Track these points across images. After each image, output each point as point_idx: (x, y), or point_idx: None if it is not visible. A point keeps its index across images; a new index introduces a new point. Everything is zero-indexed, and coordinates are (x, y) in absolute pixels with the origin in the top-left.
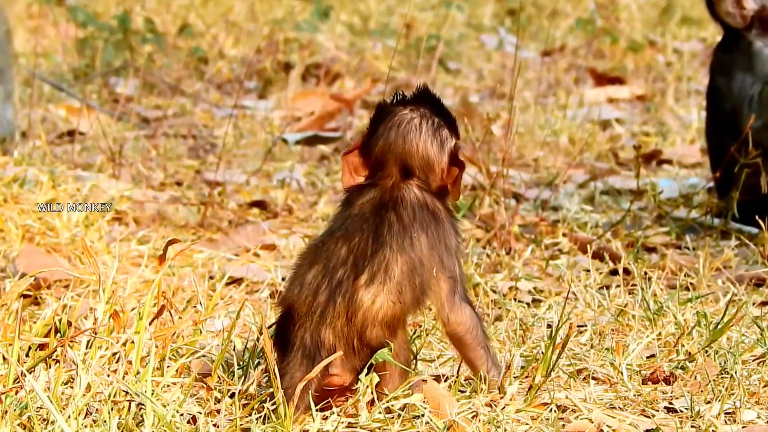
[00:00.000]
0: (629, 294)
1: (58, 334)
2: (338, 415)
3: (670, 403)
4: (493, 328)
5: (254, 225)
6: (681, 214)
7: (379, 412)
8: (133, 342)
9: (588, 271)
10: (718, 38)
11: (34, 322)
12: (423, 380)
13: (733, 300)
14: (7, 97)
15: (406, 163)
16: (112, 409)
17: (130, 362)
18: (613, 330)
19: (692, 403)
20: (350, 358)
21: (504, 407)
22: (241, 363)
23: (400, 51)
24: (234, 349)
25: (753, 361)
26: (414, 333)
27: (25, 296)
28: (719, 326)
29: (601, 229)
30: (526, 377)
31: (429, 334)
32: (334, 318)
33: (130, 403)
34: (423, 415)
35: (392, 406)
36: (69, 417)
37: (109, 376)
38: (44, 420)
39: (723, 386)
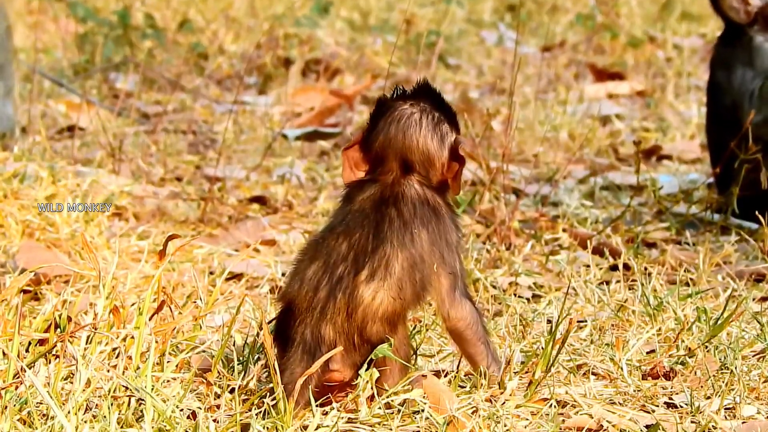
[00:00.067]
0: (629, 289)
1: (58, 330)
2: (338, 410)
3: (670, 399)
4: (493, 324)
5: (254, 220)
6: (681, 209)
7: (379, 408)
8: (133, 337)
9: (588, 266)
10: (718, 34)
11: (34, 318)
12: (423, 375)
13: (733, 295)
14: (7, 93)
15: (406, 158)
16: (112, 404)
17: (130, 357)
18: (613, 325)
19: (692, 399)
20: (350, 354)
21: (504, 402)
22: (241, 358)
23: (400, 47)
24: (234, 345)
25: (753, 356)
26: (414, 328)
27: (25, 291)
28: (719, 322)
29: (601, 224)
30: (526, 373)
31: (429, 329)
32: (334, 314)
33: (130, 399)
34: (423, 411)
35: (392, 401)
36: (69, 412)
37: (109, 371)
38: (44, 415)
39: (723, 382)
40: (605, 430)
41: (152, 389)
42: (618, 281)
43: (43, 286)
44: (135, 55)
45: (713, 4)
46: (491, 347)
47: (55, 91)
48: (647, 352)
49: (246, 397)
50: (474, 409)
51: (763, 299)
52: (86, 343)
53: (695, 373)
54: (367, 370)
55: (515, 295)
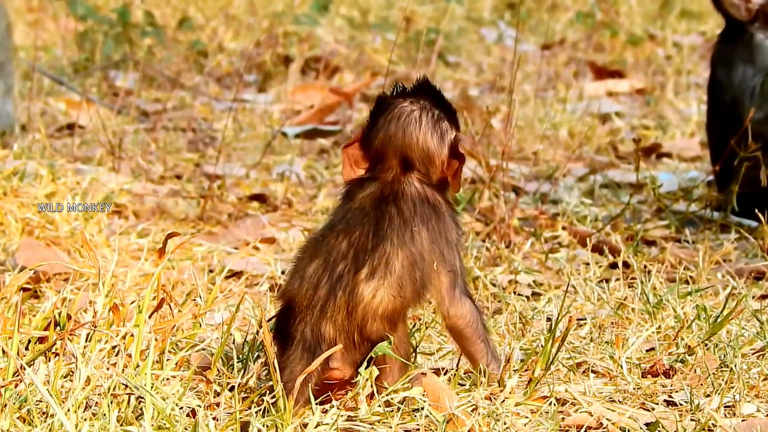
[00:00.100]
0: (629, 287)
1: (58, 328)
2: (338, 408)
3: (670, 397)
4: (492, 322)
5: (254, 218)
6: (680, 207)
7: (379, 406)
8: (132, 335)
9: (587, 264)
10: (718, 31)
11: (34, 316)
12: (423, 373)
13: (732, 293)
14: (7, 91)
15: (406, 156)
16: (111, 402)
17: (129, 355)
18: (612, 323)
19: (692, 397)
20: (350, 352)
21: (503, 400)
22: (240, 356)
23: (399, 44)
24: (233, 343)
25: (752, 354)
26: (413, 326)
27: (24, 289)
28: (719, 319)
29: (601, 222)
30: (526, 370)
31: (428, 327)
32: (334, 312)
33: (129, 397)
34: (422, 409)
35: (392, 399)
36: (68, 410)
37: (108, 369)
38: (44, 413)
39: (722, 379)
40: (605, 428)
41: (152, 387)
42: (617, 279)
43: (43, 284)
44: (135, 53)
45: (714, 1)
46: (491, 345)
47: (54, 89)
48: (647, 350)
49: (246, 395)
50: (474, 407)
51: (763, 297)
52: (86, 341)
53: (695, 371)
54: (366, 368)
55: (515, 293)
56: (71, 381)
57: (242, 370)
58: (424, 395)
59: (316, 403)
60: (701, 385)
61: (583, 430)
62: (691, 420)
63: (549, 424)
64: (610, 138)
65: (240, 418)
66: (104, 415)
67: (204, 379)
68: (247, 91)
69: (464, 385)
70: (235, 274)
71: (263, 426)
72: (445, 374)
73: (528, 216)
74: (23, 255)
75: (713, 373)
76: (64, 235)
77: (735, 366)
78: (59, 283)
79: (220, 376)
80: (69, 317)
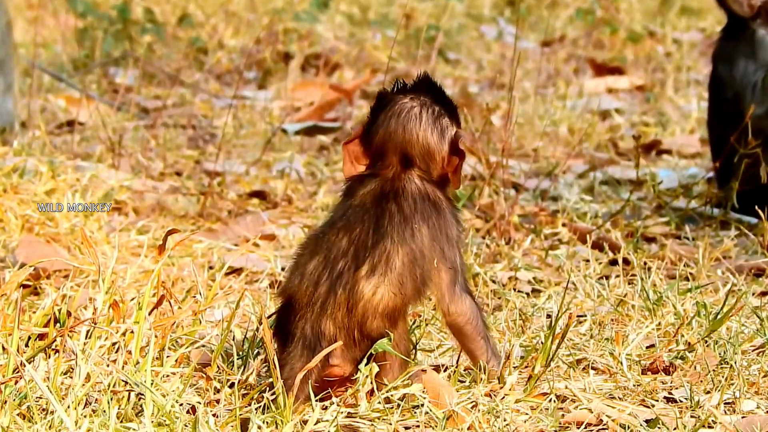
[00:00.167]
0: (629, 284)
1: (58, 324)
2: (338, 405)
3: (670, 393)
4: (492, 318)
5: (254, 215)
6: (680, 204)
7: (379, 402)
8: (132, 332)
9: (587, 261)
10: (718, 28)
11: (34, 312)
12: (422, 370)
13: (732, 290)
14: (7, 88)
15: (406, 152)
16: (111, 398)
17: (129, 352)
18: (612, 320)
19: (692, 393)
20: (351, 349)
21: (503, 397)
22: (240, 353)
23: (399, 41)
24: (233, 339)
25: (753, 351)
26: (413, 323)
27: (24, 286)
28: (719, 316)
29: (601, 219)
30: (526, 367)
31: (428, 324)
32: (334, 309)
33: (129, 393)
34: (422, 405)
35: (392, 396)
36: (68, 407)
37: (108, 366)
38: (44, 410)
39: (723, 376)
40: (605, 424)
41: (152, 384)
42: (617, 276)
43: (43, 280)
44: (134, 50)
45: None
46: (491, 342)
47: (54, 85)
48: (647, 347)
49: (246, 391)
50: (473, 403)
51: (763, 294)
52: (86, 338)
53: (695, 367)
54: (366, 364)
55: (515, 289)
56: (71, 378)
57: (242, 367)
58: (424, 392)
59: (316, 400)
60: (701, 381)
61: (583, 426)
62: (691, 417)
63: (549, 420)
64: (610, 135)
65: (240, 414)
66: (104, 411)
67: (204, 375)
68: (247, 88)
69: (464, 381)
70: (235, 271)
71: (263, 423)
72: (445, 371)
73: (528, 213)
74: (23, 252)
75: (713, 369)
76: (64, 232)
77: (735, 363)
78: (59, 280)
79: (220, 373)
80: (69, 314)
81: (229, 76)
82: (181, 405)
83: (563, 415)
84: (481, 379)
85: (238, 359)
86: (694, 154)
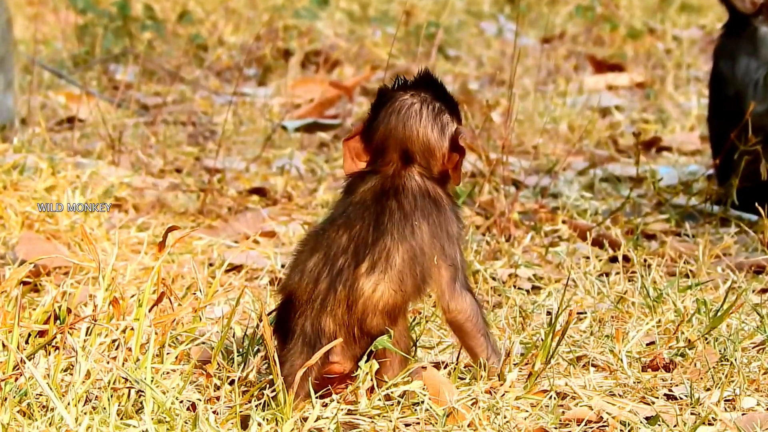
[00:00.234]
0: (629, 281)
1: (58, 321)
2: (338, 402)
3: (670, 390)
4: (492, 315)
5: (254, 212)
6: (680, 201)
7: (379, 399)
8: (132, 329)
9: (587, 258)
10: (718, 25)
11: (34, 309)
12: (423, 367)
13: (732, 287)
14: (7, 85)
15: (406, 149)
16: (111, 396)
17: (129, 349)
18: (612, 317)
19: (692, 390)
20: (350, 346)
21: (504, 394)
22: (240, 350)
23: (399, 38)
24: (233, 336)
25: (753, 348)
26: (414, 320)
27: (24, 283)
28: (719, 313)
29: (601, 216)
30: (526, 364)
31: (429, 321)
32: (334, 306)
33: (129, 390)
34: (422, 402)
35: (392, 393)
36: (68, 404)
37: (108, 363)
38: (44, 407)
39: (723, 373)
40: (605, 421)
41: (152, 381)
42: (618, 273)
43: (43, 277)
44: (135, 47)
45: None
46: (491, 339)
47: (54, 82)
48: (647, 344)
49: (246, 388)
50: (474, 400)
51: (763, 291)
52: (86, 335)
53: (695, 364)
54: (367, 361)
55: (515, 286)
56: (71, 375)
57: (242, 364)
58: (424, 389)
59: (316, 397)
60: (701, 378)
61: (584, 423)
62: (691, 414)
63: (549, 417)
64: (610, 132)
65: (240, 411)
66: (104, 408)
67: (204, 372)
68: (247, 84)
69: (464, 378)
70: (235, 268)
71: (263, 420)
72: (445, 368)
73: (528, 210)
74: (23, 248)
75: (713, 366)
76: (64, 229)
77: (735, 360)
78: (59, 277)
79: (220, 370)
80: (69, 311)
81: (229, 72)
82: (181, 402)
83: (563, 412)
84: (482, 376)
85: (238, 356)
86: (694, 151)
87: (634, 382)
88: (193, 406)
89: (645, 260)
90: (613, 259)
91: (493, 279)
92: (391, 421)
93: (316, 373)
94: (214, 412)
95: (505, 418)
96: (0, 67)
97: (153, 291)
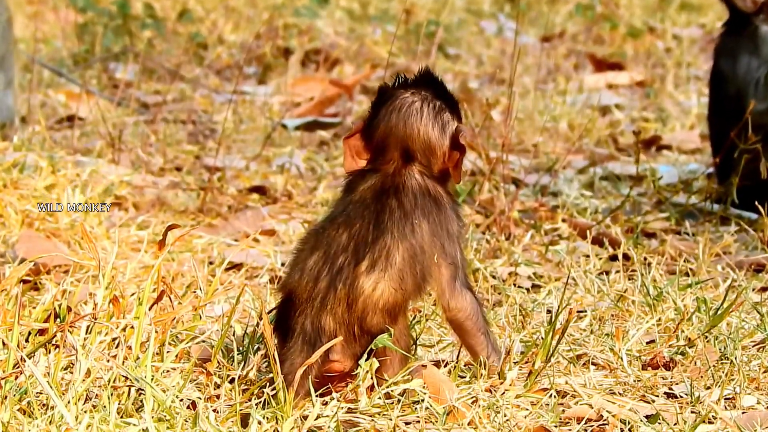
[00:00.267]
0: (629, 279)
1: (58, 320)
2: (338, 400)
3: (670, 389)
4: (492, 314)
5: (254, 210)
6: (680, 199)
7: (379, 398)
8: (132, 327)
9: (587, 256)
10: (718, 24)
11: (34, 308)
12: (423, 366)
13: (732, 286)
14: (7, 83)
15: (407, 147)
16: (111, 394)
17: (129, 347)
18: (612, 315)
19: (692, 389)
20: (351, 345)
21: (504, 393)
22: (240, 348)
23: (399, 37)
24: (234, 335)
25: (753, 346)
26: (414, 318)
27: (24, 281)
28: (719, 312)
29: (601, 214)
30: (526, 363)
31: (429, 319)
32: (334, 305)
33: (129, 389)
34: (423, 401)
35: (392, 391)
36: (69, 402)
37: (108, 361)
38: (44, 405)
39: (723, 372)
40: (605, 420)
41: (152, 379)
42: (618, 271)
43: (43, 275)
44: (134, 45)
45: None
46: (491, 337)
47: (54, 80)
48: (647, 342)
49: (246, 387)
50: (474, 399)
51: (763, 289)
52: (86, 333)
53: (695, 363)
54: (367, 360)
55: (515, 285)
56: (71, 373)
57: (242, 363)
58: (424, 387)
59: (317, 396)
60: (701, 377)
61: (584, 422)
62: (692, 412)
63: (549, 416)
64: (610, 130)
65: (240, 410)
66: (104, 407)
67: (204, 371)
68: (247, 83)
69: (464, 377)
70: (235, 266)
71: (263, 418)
72: (445, 366)
73: (528, 208)
74: (23, 247)
75: (713, 365)
76: (64, 227)
77: (735, 358)
78: (59, 275)
79: (220, 369)
80: (69, 309)
81: (229, 71)
82: (181, 400)
83: (563, 410)
84: (482, 375)
85: (238, 355)
86: (694, 150)
87: (635, 381)
88: (193, 405)
89: (645, 258)
90: (613, 258)
91: (493, 277)
92: (391, 419)
93: (317, 372)
94: (214, 411)
95: (505, 416)
96: (0, 65)
97: (153, 289)
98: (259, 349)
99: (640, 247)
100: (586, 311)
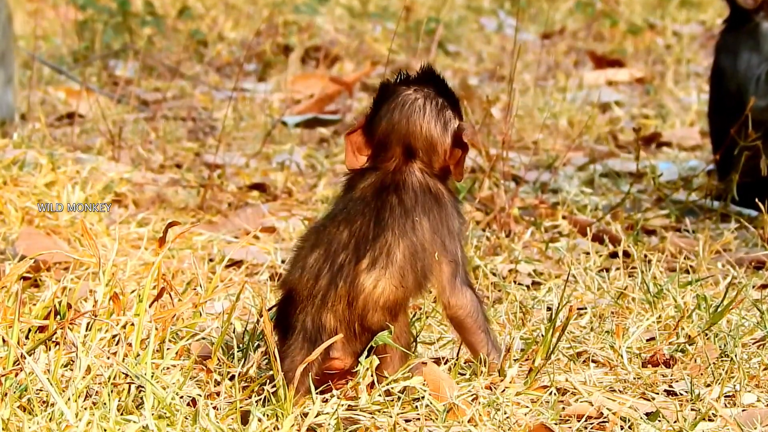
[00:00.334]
0: (629, 277)
1: (58, 317)
2: (338, 397)
3: (670, 386)
4: (492, 311)
5: (254, 207)
6: (680, 196)
7: (379, 395)
8: (132, 324)
9: (588, 253)
10: (719, 21)
11: (34, 305)
12: (423, 363)
13: (732, 283)
14: (7, 80)
15: (409, 144)
16: (111, 391)
17: (129, 345)
18: (612, 313)
19: (692, 386)
20: (351, 342)
21: (504, 390)
22: (241, 345)
23: (399, 33)
24: (234, 332)
25: (753, 344)
26: (414, 315)
27: (24, 278)
28: (719, 309)
29: (601, 211)
30: (526, 360)
31: (429, 316)
32: (335, 302)
33: (129, 386)
34: (423, 398)
35: (392, 388)
36: (69, 399)
37: (108, 358)
38: (44, 402)
39: (723, 369)
40: (605, 417)
41: (152, 376)
42: (618, 268)
43: (43, 273)
44: (134, 42)
45: None
46: (491, 335)
47: (54, 78)
48: (647, 340)
49: (246, 384)
50: (474, 396)
51: (763, 287)
52: (86, 330)
53: (695, 360)
54: (367, 357)
55: (515, 282)
56: (71, 370)
57: (243, 360)
58: (424, 385)
59: (317, 393)
60: (701, 374)
61: (584, 419)
62: (692, 410)
63: (549, 413)
64: (609, 127)
65: (240, 407)
66: (104, 404)
67: (204, 368)
68: (247, 80)
69: (465, 374)
70: (235, 264)
71: (263, 415)
72: (445, 364)
73: (528, 205)
74: (23, 244)
75: (713, 362)
76: (64, 224)
77: (735, 356)
78: (59, 272)
79: (220, 366)
80: (69, 306)
81: (229, 68)
82: (181, 397)
83: (564, 408)
84: (482, 372)
85: (238, 352)
86: (694, 147)
87: (635, 378)
88: (193, 402)
89: (645, 256)
90: (614, 255)
91: (493, 274)
92: (391, 416)
93: (317, 369)
94: (214, 408)
95: (505, 413)
96: (0, 62)
97: (153, 286)
98: (259, 346)
99: (640, 244)
100: (586, 308)
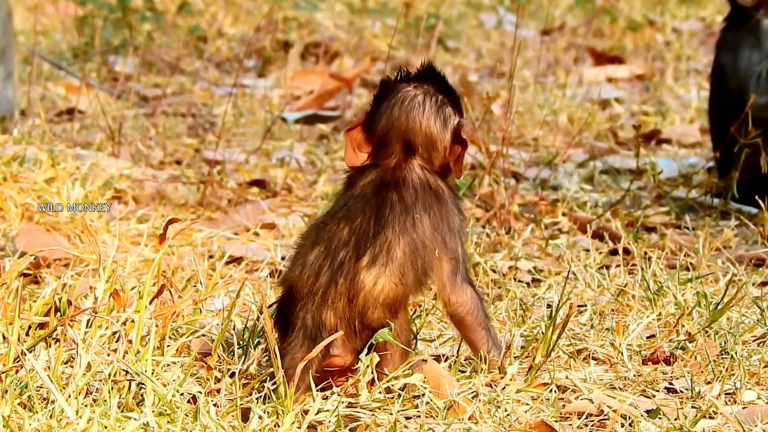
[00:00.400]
0: (629, 274)
1: (58, 313)
2: (338, 395)
3: (671, 384)
4: (493, 308)
5: (254, 204)
6: (680, 193)
7: (380, 392)
8: (133, 321)
9: (588, 250)
10: (718, 18)
11: (34, 301)
12: (423, 360)
13: (733, 280)
14: (7, 76)
15: (408, 141)
16: (112, 388)
17: (130, 341)
18: (613, 310)
19: (692, 384)
20: (351, 339)
21: (504, 387)
22: (241, 342)
23: (399, 30)
24: (234, 329)
25: (753, 341)
26: (414, 313)
27: (24, 275)
28: (719, 306)
29: (601, 208)
30: (527, 357)
31: (429, 313)
32: (335, 299)
33: (130, 383)
34: (423, 395)
35: (392, 386)
36: (69, 396)
37: (109, 355)
38: (44, 399)
39: (723, 367)
40: (605, 415)
41: (152, 373)
42: (618, 265)
43: (43, 269)
44: (134, 38)
45: None
46: (492, 332)
47: (54, 73)
48: (647, 337)
49: (246, 381)
50: (474, 393)
51: (763, 284)
52: (86, 327)
53: (695, 358)
54: (367, 354)
55: (515, 279)
56: (72, 367)
57: (243, 357)
58: (424, 382)
59: (317, 390)
60: (702, 372)
61: (584, 417)
62: (692, 407)
63: (550, 410)
64: (609, 124)
65: (241, 404)
66: (105, 401)
67: (204, 365)
68: (246, 76)
69: (465, 371)
70: (236, 260)
71: (264, 412)
72: (445, 361)
73: (528, 202)
74: (23, 240)
75: (714, 360)
76: (64, 221)
77: (735, 353)
78: (59, 269)
79: (220, 363)
80: (69, 303)
81: (228, 64)
82: (181, 394)
83: (564, 405)
84: (482, 369)
85: (238, 349)
86: (693, 144)
87: (635, 376)
88: (193, 399)
89: (645, 253)
90: (614, 252)
91: (494, 271)
92: (391, 414)
93: (317, 366)
94: (214, 405)
95: (505, 411)
96: (0, 58)
97: (153, 283)
98: (259, 343)
99: (640, 242)
100: (586, 306)
